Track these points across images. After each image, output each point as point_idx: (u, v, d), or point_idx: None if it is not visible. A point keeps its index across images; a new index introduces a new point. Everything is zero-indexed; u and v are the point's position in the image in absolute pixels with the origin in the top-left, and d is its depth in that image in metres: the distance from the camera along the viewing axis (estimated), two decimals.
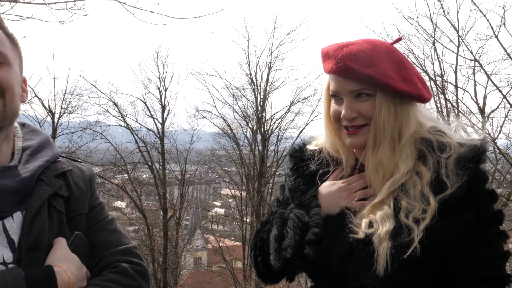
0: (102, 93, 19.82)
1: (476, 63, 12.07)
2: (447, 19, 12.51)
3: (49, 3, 4.45)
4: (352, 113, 1.57)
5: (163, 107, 21.06)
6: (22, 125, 1.52)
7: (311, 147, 1.81)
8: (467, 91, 12.74)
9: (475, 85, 12.63)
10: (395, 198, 1.52)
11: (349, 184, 1.66)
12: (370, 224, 1.51)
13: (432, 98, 12.32)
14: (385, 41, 1.66)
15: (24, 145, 1.44)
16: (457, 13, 12.47)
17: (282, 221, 1.64)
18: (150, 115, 20.92)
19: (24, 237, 1.26)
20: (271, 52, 21.20)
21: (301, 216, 1.60)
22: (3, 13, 4.41)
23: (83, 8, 4.57)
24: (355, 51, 1.56)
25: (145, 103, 20.88)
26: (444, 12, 12.45)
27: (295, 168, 1.79)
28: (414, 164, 1.54)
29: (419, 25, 12.96)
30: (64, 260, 1.26)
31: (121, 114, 20.28)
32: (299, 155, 1.81)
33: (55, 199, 1.36)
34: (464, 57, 12.41)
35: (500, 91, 11.70)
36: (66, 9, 4.35)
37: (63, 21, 4.48)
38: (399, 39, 1.70)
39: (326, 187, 1.68)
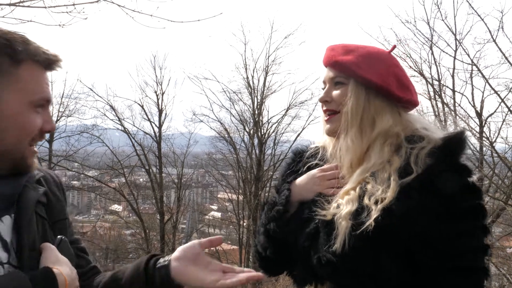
0: (100, 96, 19.83)
1: (474, 67, 12.08)
2: (445, 23, 12.55)
3: (49, 7, 4.48)
4: (326, 97, 1.71)
5: (160, 111, 21.10)
6: None
7: (312, 146, 1.90)
8: (464, 95, 12.79)
9: (473, 89, 12.70)
10: (364, 184, 1.58)
11: (323, 171, 1.73)
12: (338, 207, 1.58)
13: (430, 102, 12.43)
14: (382, 49, 1.79)
15: None
16: (454, 17, 12.53)
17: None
18: (147, 118, 21.01)
19: (25, 237, 1.29)
20: (268, 56, 21.26)
21: (274, 199, 1.77)
22: (2, 17, 4.41)
23: (83, 12, 4.61)
24: (345, 44, 1.71)
25: (142, 106, 20.95)
26: (441, 16, 12.51)
27: (291, 164, 1.90)
28: (389, 156, 1.59)
29: (416, 29, 12.99)
30: (57, 262, 1.28)
31: (118, 117, 20.31)
32: (299, 154, 1.91)
33: (37, 205, 1.39)
34: (462, 61, 12.47)
35: (498, 95, 11.71)
36: (67, 12, 4.38)
37: (63, 25, 4.52)
38: (394, 47, 1.81)
39: (304, 176, 1.78)
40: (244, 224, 21.45)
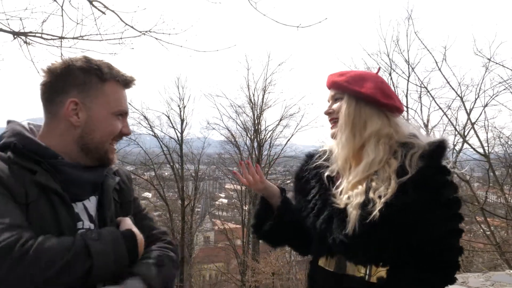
0: (136, 109, 19.84)
1: (423, 88, 12.20)
2: (401, 55, 12.66)
3: (103, 40, 4.51)
4: (329, 109, 1.70)
5: (182, 120, 21.08)
6: None
7: (321, 149, 1.85)
8: (415, 111, 12.92)
9: (421, 106, 12.89)
10: (368, 180, 1.56)
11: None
12: (348, 198, 1.58)
13: None
14: (370, 72, 1.83)
15: None
16: (408, 51, 12.68)
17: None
18: (172, 126, 20.97)
19: (107, 212, 1.34)
20: (266, 79, 21.25)
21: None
22: (69, 47, 4.46)
23: (132, 43, 4.62)
24: (341, 71, 1.71)
25: (168, 117, 20.92)
26: (399, 50, 12.59)
27: (304, 165, 1.86)
28: (387, 158, 1.57)
29: (381, 59, 13.11)
30: (134, 227, 1.32)
31: (149, 125, 20.25)
32: (311, 156, 1.86)
33: (112, 191, 1.42)
34: (415, 84, 12.58)
35: (442, 110, 11.87)
36: (119, 43, 4.39)
37: (115, 53, 4.52)
38: (379, 69, 1.86)
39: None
40: (246, 208, 21.33)
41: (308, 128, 24.05)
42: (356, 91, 1.61)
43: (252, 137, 21.26)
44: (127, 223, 1.34)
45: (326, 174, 1.72)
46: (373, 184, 1.53)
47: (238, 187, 22.69)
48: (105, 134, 1.33)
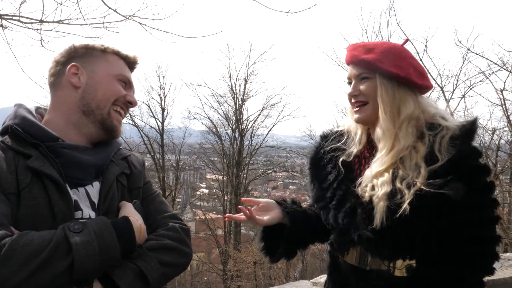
0: None
1: None
2: None
3: (84, 24, 4.34)
4: (355, 91, 1.52)
5: (163, 110, 20.79)
6: None
7: (336, 129, 1.72)
8: None
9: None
10: (394, 168, 1.43)
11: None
12: (373, 188, 1.43)
13: None
14: (396, 43, 1.60)
15: None
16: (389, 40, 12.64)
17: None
18: (152, 116, 20.66)
19: (101, 202, 1.27)
20: (248, 68, 21.15)
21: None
22: (50, 30, 4.29)
23: (117, 27, 4.46)
24: (364, 43, 1.54)
25: (149, 106, 20.61)
26: (387, 39, 12.55)
27: (318, 148, 1.70)
28: (414, 141, 1.44)
29: None
30: (134, 214, 1.26)
31: (130, 115, 19.86)
32: (325, 137, 1.72)
33: (121, 176, 1.37)
34: None
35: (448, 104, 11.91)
36: (103, 27, 4.23)
37: (98, 37, 4.37)
38: (406, 41, 1.60)
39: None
40: (227, 198, 21.33)
41: (290, 118, 24.19)
42: (390, 72, 1.45)
43: (233, 127, 21.18)
44: (127, 209, 1.27)
45: (341, 159, 1.58)
46: (400, 172, 1.40)
47: (220, 177, 22.66)
48: (106, 93, 1.31)
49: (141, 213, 1.32)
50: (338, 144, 1.63)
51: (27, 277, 0.96)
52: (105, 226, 1.11)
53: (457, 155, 1.36)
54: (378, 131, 1.49)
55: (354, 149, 1.60)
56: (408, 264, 1.43)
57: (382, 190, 1.40)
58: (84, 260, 1.02)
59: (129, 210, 1.27)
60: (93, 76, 1.30)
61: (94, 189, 1.27)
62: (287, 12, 3.87)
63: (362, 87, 1.51)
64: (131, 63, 1.41)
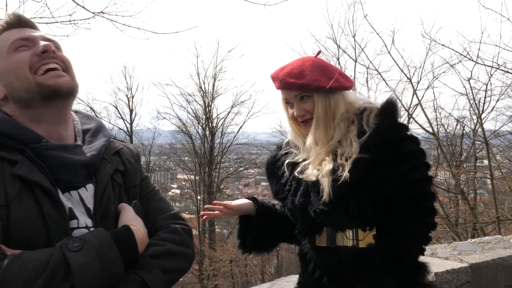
0: (81, 100, 18.71)
1: (371, 70, 12.34)
2: (347, 40, 12.78)
3: (54, 22, 4.12)
4: (301, 112, 1.67)
5: (131, 111, 20.33)
6: (75, 111, 1.37)
7: (285, 140, 1.89)
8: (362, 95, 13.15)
9: (368, 90, 13.25)
10: (334, 150, 1.60)
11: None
12: (318, 170, 1.60)
13: None
14: (310, 56, 1.75)
15: (83, 128, 1.31)
16: (354, 36, 12.43)
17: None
18: (120, 117, 20.19)
19: (96, 207, 1.15)
20: (216, 66, 21.12)
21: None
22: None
23: (89, 23, 4.25)
24: (290, 70, 1.66)
25: (116, 107, 20.11)
26: (350, 33, 12.57)
27: (276, 157, 1.88)
28: (347, 127, 1.62)
29: (327, 45, 13.17)
30: (135, 220, 1.16)
31: (97, 116, 19.33)
32: (279, 147, 1.90)
33: (115, 174, 1.25)
34: (363, 65, 12.54)
35: (391, 88, 12.14)
36: (74, 24, 4.01)
37: (67, 35, 4.15)
38: (319, 52, 1.78)
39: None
40: (199, 197, 21.17)
41: (259, 114, 24.24)
42: (324, 87, 1.61)
43: (204, 126, 20.99)
44: (127, 216, 1.17)
45: (289, 160, 1.78)
46: (339, 151, 1.57)
47: (192, 176, 22.46)
48: (16, 71, 1.13)
49: (142, 214, 1.23)
50: (290, 149, 1.83)
51: None
52: (106, 241, 1.02)
53: (380, 125, 1.54)
54: (311, 139, 1.65)
55: (300, 157, 1.75)
56: (368, 235, 1.57)
57: (325, 168, 1.57)
58: (85, 282, 0.94)
59: (129, 217, 1.17)
60: (2, 72, 1.15)
61: (88, 192, 1.16)
62: (264, 5, 3.84)
63: (304, 106, 1.67)
64: (21, 23, 1.23)
